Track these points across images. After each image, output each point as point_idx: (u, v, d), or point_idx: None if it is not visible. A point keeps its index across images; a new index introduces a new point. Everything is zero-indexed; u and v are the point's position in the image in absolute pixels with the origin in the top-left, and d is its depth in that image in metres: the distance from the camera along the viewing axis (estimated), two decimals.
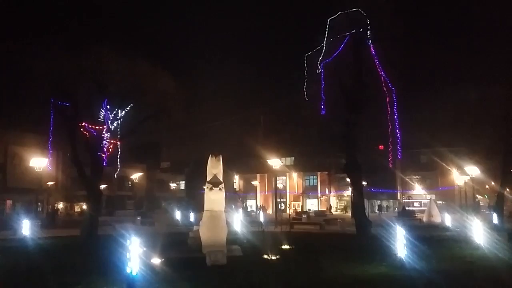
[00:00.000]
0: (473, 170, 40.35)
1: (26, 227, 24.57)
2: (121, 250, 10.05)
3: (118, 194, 69.48)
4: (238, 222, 29.71)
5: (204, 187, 16.69)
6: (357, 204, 26.42)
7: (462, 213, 38.83)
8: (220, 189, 16.54)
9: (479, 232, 18.86)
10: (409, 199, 72.14)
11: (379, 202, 67.66)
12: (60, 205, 61.52)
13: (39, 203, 50.15)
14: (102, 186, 54.76)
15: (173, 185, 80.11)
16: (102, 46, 23.64)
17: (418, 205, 67.67)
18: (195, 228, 19.18)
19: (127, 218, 45.49)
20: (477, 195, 53.29)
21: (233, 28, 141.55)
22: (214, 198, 16.50)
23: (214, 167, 16.93)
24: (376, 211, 62.08)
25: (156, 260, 13.32)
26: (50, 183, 54.78)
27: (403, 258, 13.17)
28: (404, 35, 25.42)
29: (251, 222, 35.56)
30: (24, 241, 21.82)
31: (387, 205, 70.67)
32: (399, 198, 72.89)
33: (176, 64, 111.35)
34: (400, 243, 13.43)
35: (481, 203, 60.67)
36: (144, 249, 14.88)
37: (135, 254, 9.01)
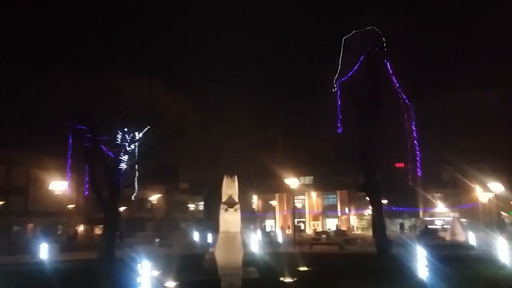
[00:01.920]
0: (497, 187, 39.37)
1: (44, 251, 24.65)
2: (136, 274, 9.91)
3: (138, 216, 69.64)
4: (256, 243, 29.42)
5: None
6: (377, 224, 25.84)
7: (487, 231, 37.75)
8: (235, 210, 16.35)
9: (504, 251, 18.22)
10: (431, 217, 70.54)
11: (400, 220, 66.34)
12: (81, 228, 61.92)
13: (59, 226, 50.53)
14: (122, 208, 55.42)
15: (191, 206, 80.00)
16: (119, 69, 23.94)
17: (441, 223, 66.12)
18: (211, 250, 18.98)
19: (146, 240, 45.53)
20: (502, 212, 51.82)
21: (249, 49, 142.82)
22: (229, 219, 16.32)
23: (229, 188, 16.79)
24: (398, 230, 60.85)
25: (171, 284, 13.14)
26: (70, 206, 55.26)
27: (424, 280, 12.73)
28: (421, 50, 25.20)
29: (270, 243, 35.18)
30: (40, 265, 21.86)
31: (411, 225, 69.27)
32: (421, 216, 71.39)
33: (192, 85, 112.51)
34: (421, 263, 13.02)
35: (506, 221, 58.91)
36: (159, 272, 14.77)
37: (146, 278, 8.86)
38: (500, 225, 40.87)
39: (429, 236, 38.22)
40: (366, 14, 24.59)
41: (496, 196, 42.07)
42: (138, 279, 8.89)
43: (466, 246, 30.68)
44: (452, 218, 40.95)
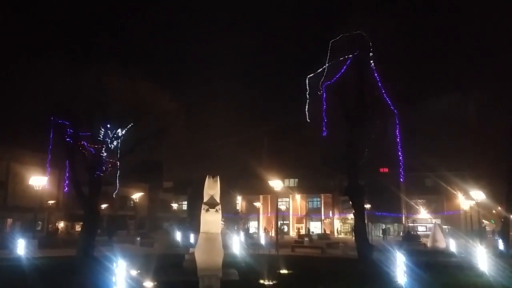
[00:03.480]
0: (479, 195, 39.73)
1: (21, 247, 24.24)
2: (111, 273, 9.75)
3: (120, 214, 69.02)
4: (238, 245, 29.31)
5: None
6: (358, 228, 25.91)
7: (467, 238, 38.15)
8: (216, 210, 16.16)
9: (484, 259, 18.39)
10: (414, 223, 71.18)
11: (383, 226, 66.81)
12: (61, 224, 61.11)
13: (38, 222, 49.76)
14: (103, 206, 54.88)
15: (175, 206, 79.54)
16: (103, 64, 23.69)
17: (424, 230, 66.73)
18: (191, 250, 18.83)
19: (127, 239, 45.15)
20: (483, 220, 52.45)
21: (236, 48, 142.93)
22: (210, 220, 16.12)
23: (211, 188, 16.61)
24: (380, 235, 61.22)
25: (149, 284, 12.98)
26: (51, 202, 54.48)
27: (403, 285, 12.77)
28: (406, 56, 25.42)
29: (253, 245, 35.09)
30: (17, 261, 21.48)
31: (390, 228, 69.78)
32: (403, 222, 71.97)
33: (178, 83, 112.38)
34: (400, 269, 13.05)
35: (488, 228, 59.74)
36: (138, 271, 14.59)
37: (122, 277, 8.72)
38: (480, 233, 41.36)
39: (410, 242, 38.51)
40: (353, 18, 24.72)
41: (478, 203, 42.54)
42: (114, 279, 8.73)
43: (446, 253, 30.97)
44: (433, 225, 41.28)
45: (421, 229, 66.79)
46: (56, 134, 24.71)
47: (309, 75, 25.39)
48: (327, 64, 24.88)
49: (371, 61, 25.04)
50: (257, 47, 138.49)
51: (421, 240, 42.38)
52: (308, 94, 25.45)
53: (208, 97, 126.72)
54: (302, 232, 69.67)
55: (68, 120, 24.42)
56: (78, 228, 62.37)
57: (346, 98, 25.87)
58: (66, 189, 27.38)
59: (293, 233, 72.61)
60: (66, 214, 60.43)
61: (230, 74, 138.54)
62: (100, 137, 25.10)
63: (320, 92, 24.64)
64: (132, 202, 70.52)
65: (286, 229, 73.56)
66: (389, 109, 24.90)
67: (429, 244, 36.59)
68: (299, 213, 77.93)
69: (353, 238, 29.83)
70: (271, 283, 14.79)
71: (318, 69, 25.04)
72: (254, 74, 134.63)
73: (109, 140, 25.35)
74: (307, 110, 25.19)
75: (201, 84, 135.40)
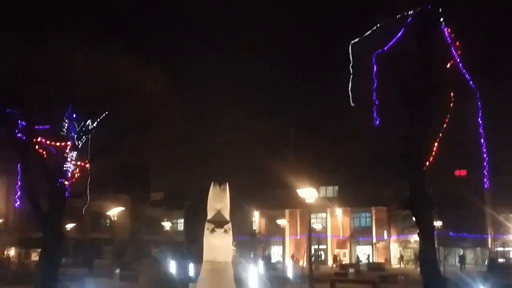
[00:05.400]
0: None
1: None
2: None
3: (92, 237, 69.87)
4: (256, 278, 29.51)
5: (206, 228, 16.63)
6: (426, 255, 25.88)
7: None
8: (225, 231, 16.38)
9: None
10: (504, 247, 70.65)
11: (460, 251, 66.46)
12: (11, 252, 62.18)
13: None
14: (69, 226, 55.69)
15: (167, 225, 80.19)
16: (66, 35, 23.91)
17: None
18: (191, 286, 19.06)
19: (102, 271, 45.63)
20: None
21: (246, 11, 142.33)
22: (217, 244, 16.35)
23: (218, 201, 16.83)
24: (457, 263, 60.97)
25: None
26: None
27: None
28: (492, 13, 25.12)
29: (276, 278, 35.26)
30: None
31: (471, 254, 69.33)
32: (489, 245, 71.50)
33: (167, 58, 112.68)
34: None
35: None
36: None
37: None
38: None
39: (499, 273, 38.27)
40: None
41: None
42: None
43: None
44: None
45: None
46: (2, 128, 25.10)
47: (353, 41, 25.35)
48: (378, 25, 24.81)
49: (441, 20, 24.85)
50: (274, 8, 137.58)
51: None
52: (352, 67, 25.43)
53: (210, 76, 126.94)
54: (346, 260, 69.67)
55: (19, 109, 24.76)
56: (34, 257, 63.41)
57: (405, 73, 25.75)
58: (18, 203, 27.81)
59: (332, 263, 72.71)
60: (18, 238, 61.37)
61: (239, 42, 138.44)
62: (63, 131, 25.40)
63: (369, 65, 24.61)
64: (108, 221, 71.20)
65: (323, 257, 73.67)
66: (468, 87, 24.71)
67: None
68: (341, 235, 77.97)
69: (418, 268, 29.77)
70: None
71: (366, 33, 24.97)
72: (273, 41, 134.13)
73: (75, 136, 25.63)
74: (351, 91, 25.18)
75: (199, 57, 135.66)
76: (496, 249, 70.03)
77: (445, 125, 25.46)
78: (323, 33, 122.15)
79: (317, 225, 68.43)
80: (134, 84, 25.11)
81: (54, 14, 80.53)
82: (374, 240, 76.29)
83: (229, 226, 16.64)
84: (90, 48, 23.73)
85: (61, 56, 23.50)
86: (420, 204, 25.80)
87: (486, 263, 58.70)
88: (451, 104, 25.70)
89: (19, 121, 24.91)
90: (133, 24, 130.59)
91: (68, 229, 54.16)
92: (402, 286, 32.95)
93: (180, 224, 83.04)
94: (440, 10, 24.76)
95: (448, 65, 24.93)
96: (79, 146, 26.03)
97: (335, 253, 76.09)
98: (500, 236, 71.78)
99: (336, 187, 77.99)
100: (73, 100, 25.19)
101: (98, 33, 24.81)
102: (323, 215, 76.42)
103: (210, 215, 16.71)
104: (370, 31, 25.05)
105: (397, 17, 25.12)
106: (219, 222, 16.51)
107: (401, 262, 71.66)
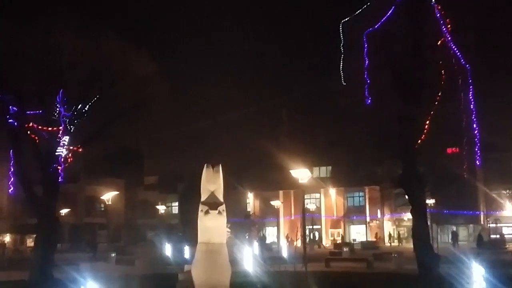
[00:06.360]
0: None
1: None
2: None
3: (86, 222, 69.87)
4: (251, 259, 29.60)
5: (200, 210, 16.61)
6: (419, 232, 25.97)
7: None
8: (219, 212, 16.38)
9: None
10: (496, 223, 71.02)
11: (453, 228, 66.83)
12: (7, 239, 62.17)
13: None
14: (64, 211, 55.71)
15: (161, 208, 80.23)
16: (55, 19, 23.74)
17: (510, 232, 66.63)
18: (186, 268, 19.11)
19: (98, 255, 45.77)
20: None
21: None
22: (211, 226, 16.36)
23: (211, 183, 16.81)
24: (449, 240, 61.29)
25: None
26: None
27: None
28: None
29: (271, 259, 35.38)
30: None
31: (463, 231, 69.73)
32: (482, 222, 71.87)
33: (157, 41, 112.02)
34: (479, 287, 13.16)
35: None
36: None
37: None
38: None
39: (491, 249, 38.56)
40: None
41: None
42: None
43: None
44: None
45: (506, 232, 66.66)
46: None
47: (344, 20, 25.23)
48: (368, 3, 24.68)
49: None
50: None
51: (506, 246, 42.43)
52: (343, 46, 25.32)
53: (202, 57, 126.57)
54: (339, 240, 69.96)
55: (10, 94, 24.64)
56: (30, 242, 63.46)
57: (396, 51, 25.67)
58: (12, 189, 27.72)
59: (327, 242, 73.02)
60: (13, 224, 61.34)
61: (229, 22, 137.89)
62: (55, 116, 25.30)
63: (360, 43, 24.52)
64: (103, 206, 71.16)
65: (317, 237, 73.95)
66: (459, 64, 24.64)
67: None
68: (335, 215, 78.21)
69: (411, 246, 29.88)
70: None
71: (357, 11, 24.85)
72: (265, 21, 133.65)
73: (67, 120, 25.55)
74: (342, 70, 25.10)
75: (189, 39, 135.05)
76: (488, 225, 70.37)
77: (436, 103, 25.47)
78: (314, 11, 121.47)
79: (311, 206, 68.64)
80: (124, 67, 25.04)
81: None
82: (368, 219, 76.59)
83: (223, 207, 16.63)
84: (79, 31, 23.60)
85: (49, 40, 23.34)
86: (412, 182, 25.85)
87: (478, 239, 59.16)
88: (442, 82, 25.73)
89: (10, 107, 24.81)
90: (122, 7, 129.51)
91: (63, 214, 54.14)
92: (396, 262, 33.13)
93: (175, 207, 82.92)
94: None
95: (439, 42, 24.89)
96: (72, 131, 25.98)
97: (332, 233, 76.34)
98: (492, 213, 72.10)
99: (329, 167, 78.08)
100: (63, 85, 25.07)
101: (86, 16, 24.69)
102: (317, 195, 76.58)
103: (203, 197, 16.70)
104: (360, 10, 24.94)
105: None
106: (213, 204, 16.50)
107: (391, 240, 71.90)
